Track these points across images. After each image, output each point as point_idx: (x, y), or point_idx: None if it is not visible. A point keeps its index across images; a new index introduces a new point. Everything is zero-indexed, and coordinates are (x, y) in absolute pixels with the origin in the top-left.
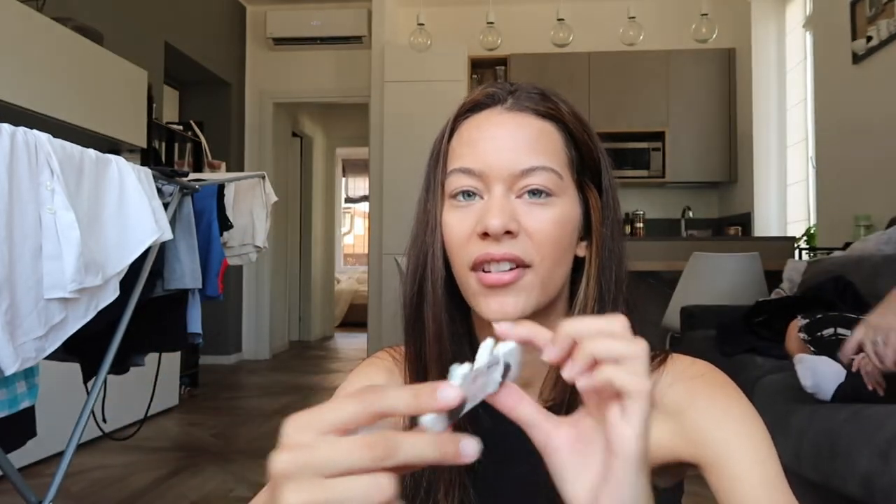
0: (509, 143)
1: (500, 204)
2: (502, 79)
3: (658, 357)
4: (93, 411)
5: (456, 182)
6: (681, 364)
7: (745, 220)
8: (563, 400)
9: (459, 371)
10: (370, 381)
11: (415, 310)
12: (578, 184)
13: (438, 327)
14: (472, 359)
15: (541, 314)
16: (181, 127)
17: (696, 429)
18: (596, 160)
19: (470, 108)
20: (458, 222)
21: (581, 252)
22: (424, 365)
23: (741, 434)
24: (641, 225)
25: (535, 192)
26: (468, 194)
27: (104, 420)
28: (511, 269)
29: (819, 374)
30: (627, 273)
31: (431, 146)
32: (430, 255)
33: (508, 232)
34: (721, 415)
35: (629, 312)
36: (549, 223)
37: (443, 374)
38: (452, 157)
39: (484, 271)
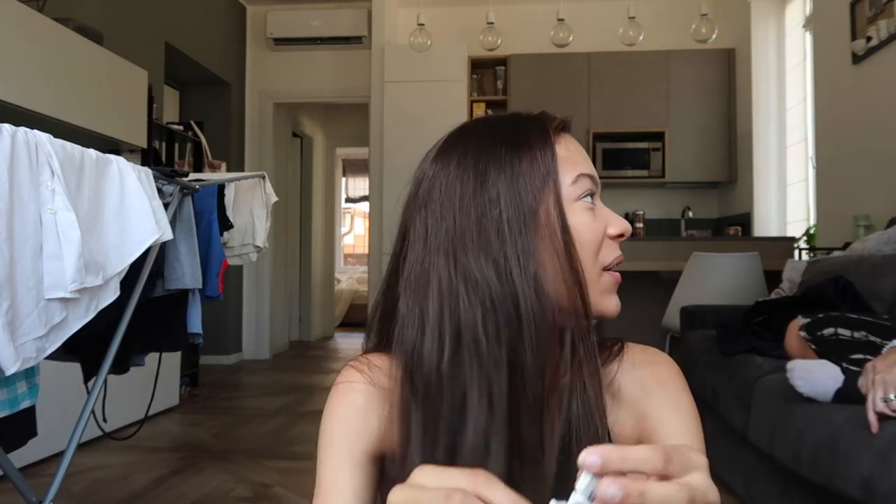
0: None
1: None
2: (502, 79)
3: (616, 346)
4: (93, 411)
5: (585, 185)
6: (637, 351)
7: (745, 220)
8: None
9: None
10: (354, 411)
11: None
12: None
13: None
14: None
15: None
16: (181, 127)
17: (649, 417)
18: None
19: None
20: (590, 222)
21: None
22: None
23: (684, 425)
24: (641, 225)
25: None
26: (591, 195)
27: (104, 420)
28: None
29: (816, 379)
30: None
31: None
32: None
33: None
34: (673, 407)
35: None
36: None
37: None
38: (567, 164)
39: (612, 271)
